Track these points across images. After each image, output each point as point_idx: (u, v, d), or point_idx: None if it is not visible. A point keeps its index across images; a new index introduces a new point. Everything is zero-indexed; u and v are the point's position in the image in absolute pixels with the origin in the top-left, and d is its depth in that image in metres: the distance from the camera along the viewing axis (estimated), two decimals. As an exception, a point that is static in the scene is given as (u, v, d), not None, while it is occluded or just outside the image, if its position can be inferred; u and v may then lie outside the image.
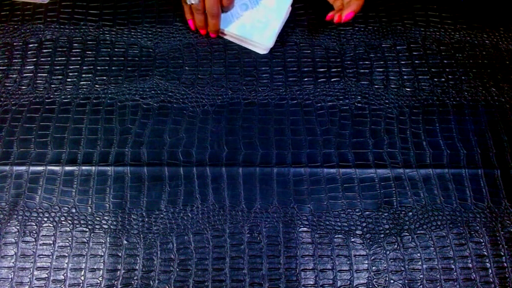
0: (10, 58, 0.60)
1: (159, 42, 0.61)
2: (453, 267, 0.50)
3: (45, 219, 0.51)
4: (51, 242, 0.50)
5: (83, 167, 0.53)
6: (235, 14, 0.60)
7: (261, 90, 0.59)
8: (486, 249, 0.50)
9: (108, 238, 0.50)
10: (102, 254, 0.50)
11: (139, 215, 0.51)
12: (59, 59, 0.60)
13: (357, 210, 0.52)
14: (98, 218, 0.51)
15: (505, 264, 0.50)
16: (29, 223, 0.51)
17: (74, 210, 0.51)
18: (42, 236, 0.50)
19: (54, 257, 0.49)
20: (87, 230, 0.51)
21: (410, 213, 0.52)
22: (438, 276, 0.49)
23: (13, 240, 0.50)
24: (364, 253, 0.50)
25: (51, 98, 0.58)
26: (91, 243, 0.50)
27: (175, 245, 0.50)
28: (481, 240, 0.51)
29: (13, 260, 0.49)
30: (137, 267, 0.49)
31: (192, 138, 0.55)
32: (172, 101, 0.57)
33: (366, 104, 0.58)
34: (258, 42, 0.59)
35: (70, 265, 0.49)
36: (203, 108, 0.57)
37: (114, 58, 0.60)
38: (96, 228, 0.51)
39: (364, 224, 0.51)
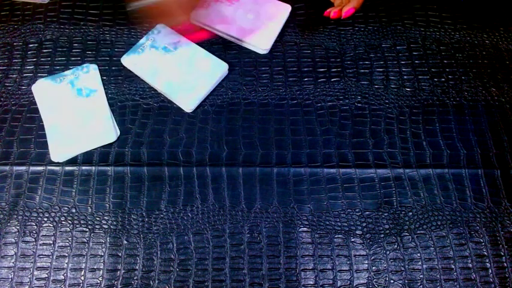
0: (10, 58, 0.60)
1: (159, 42, 0.61)
2: (453, 267, 0.50)
3: (45, 219, 0.51)
4: (51, 242, 0.50)
5: (83, 167, 0.53)
6: (166, 70, 0.58)
7: (261, 90, 0.59)
8: (486, 249, 0.50)
9: (108, 238, 0.50)
10: (102, 254, 0.50)
11: (139, 215, 0.51)
12: (59, 59, 0.60)
13: (357, 210, 0.52)
14: (98, 218, 0.51)
15: (505, 264, 0.50)
16: (29, 223, 0.51)
17: (74, 210, 0.51)
18: (42, 236, 0.50)
19: (54, 257, 0.49)
20: (87, 230, 0.51)
21: (410, 213, 0.52)
22: (438, 276, 0.49)
23: (13, 240, 0.50)
24: (364, 253, 0.50)
25: (51, 98, 0.58)
26: (91, 243, 0.50)
27: (175, 245, 0.50)
28: (481, 240, 0.51)
29: (13, 260, 0.49)
30: (137, 267, 0.49)
31: (192, 138, 0.55)
32: (172, 101, 0.57)
33: (366, 104, 0.58)
34: (180, 103, 0.57)
35: (70, 265, 0.49)
36: (203, 108, 0.57)
37: (114, 58, 0.60)
38: (96, 228, 0.51)
39: (364, 224, 0.51)
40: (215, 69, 0.58)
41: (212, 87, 0.58)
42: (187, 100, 0.56)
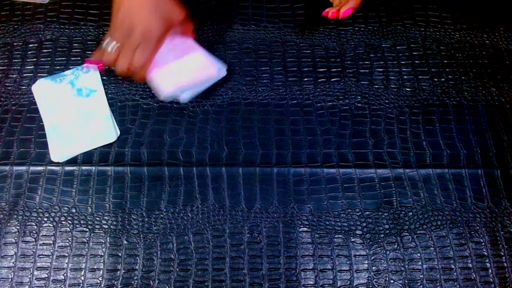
0: (10, 58, 0.60)
1: (159, 42, 0.61)
2: (453, 267, 0.50)
3: (45, 219, 0.51)
4: (51, 242, 0.50)
5: (83, 167, 0.53)
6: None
7: (261, 90, 0.59)
8: (486, 249, 0.50)
9: (108, 238, 0.50)
10: (102, 254, 0.50)
11: (139, 215, 0.51)
12: (59, 59, 0.60)
13: (357, 210, 0.52)
14: (98, 218, 0.51)
15: (505, 264, 0.50)
16: (29, 223, 0.51)
17: (74, 210, 0.51)
18: (42, 236, 0.50)
19: (54, 257, 0.49)
20: (87, 230, 0.51)
21: (410, 213, 0.52)
22: (438, 276, 0.49)
23: (13, 240, 0.50)
24: (364, 253, 0.50)
25: (51, 98, 0.58)
26: (91, 243, 0.50)
27: (175, 245, 0.50)
28: (481, 240, 0.51)
29: (13, 260, 0.49)
30: (137, 267, 0.49)
31: (192, 138, 0.55)
32: (172, 101, 0.57)
33: (366, 104, 0.58)
34: (158, 87, 0.53)
35: (70, 265, 0.49)
36: (203, 108, 0.57)
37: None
38: (96, 228, 0.51)
39: (364, 224, 0.51)
40: (208, 68, 0.55)
41: (200, 82, 0.55)
42: (164, 84, 0.53)
